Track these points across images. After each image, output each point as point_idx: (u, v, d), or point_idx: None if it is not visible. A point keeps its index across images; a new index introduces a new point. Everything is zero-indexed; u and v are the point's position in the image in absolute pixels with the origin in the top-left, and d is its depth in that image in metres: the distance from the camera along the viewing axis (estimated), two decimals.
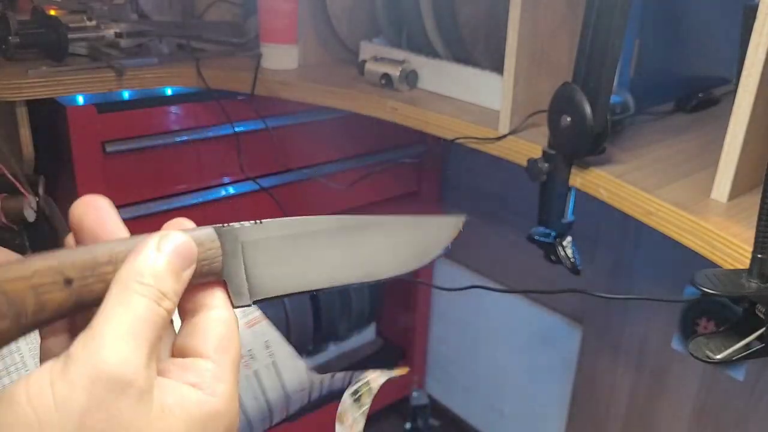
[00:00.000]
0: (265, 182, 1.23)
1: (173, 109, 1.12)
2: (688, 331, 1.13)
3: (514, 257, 1.44)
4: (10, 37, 1.01)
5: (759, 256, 0.51)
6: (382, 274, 0.36)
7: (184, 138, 1.13)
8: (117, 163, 1.07)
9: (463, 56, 1.02)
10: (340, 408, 0.51)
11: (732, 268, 0.61)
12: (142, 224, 0.58)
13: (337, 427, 0.50)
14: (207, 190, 1.19)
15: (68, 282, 0.28)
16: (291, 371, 0.51)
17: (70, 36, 1.04)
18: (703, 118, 0.95)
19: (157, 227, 0.32)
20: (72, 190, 1.05)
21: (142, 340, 0.27)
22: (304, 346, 1.54)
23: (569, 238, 0.82)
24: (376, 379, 0.53)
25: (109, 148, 1.05)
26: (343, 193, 1.31)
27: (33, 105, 0.99)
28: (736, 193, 0.68)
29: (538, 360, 1.51)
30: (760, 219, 0.51)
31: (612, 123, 0.74)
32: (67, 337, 0.32)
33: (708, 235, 0.64)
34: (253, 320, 0.50)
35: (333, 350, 1.67)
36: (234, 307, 0.33)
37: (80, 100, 1.06)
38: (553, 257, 0.83)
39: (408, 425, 1.73)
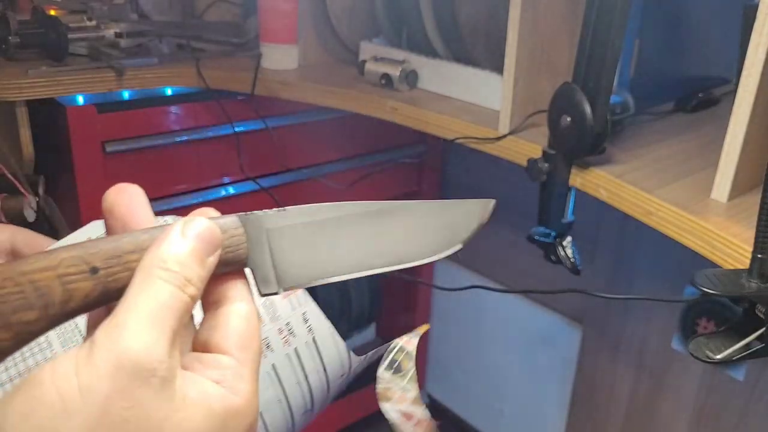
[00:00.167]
0: (265, 182, 1.23)
1: (173, 109, 1.12)
2: (688, 331, 1.13)
3: (514, 257, 1.44)
4: (10, 37, 1.01)
5: (759, 256, 0.51)
6: (411, 259, 0.35)
7: (184, 138, 1.13)
8: (117, 163, 1.07)
9: (463, 56, 1.02)
10: (379, 387, 0.48)
11: (732, 268, 0.61)
12: None
13: (385, 406, 0.47)
14: (207, 190, 1.19)
15: (94, 271, 0.28)
16: (332, 352, 0.47)
17: (70, 36, 1.04)
18: (703, 118, 0.95)
19: None
20: (72, 190, 1.05)
21: (165, 328, 0.27)
22: None
23: (569, 238, 0.82)
24: (408, 342, 0.50)
25: (109, 148, 1.05)
26: (343, 193, 1.31)
27: (33, 105, 0.99)
28: (736, 193, 0.68)
29: (538, 360, 1.51)
30: (760, 219, 0.51)
31: (612, 123, 0.74)
32: None
33: (708, 235, 0.64)
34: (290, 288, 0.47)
35: None
36: (261, 295, 0.33)
37: (80, 100, 1.06)
38: (553, 257, 0.83)
39: None
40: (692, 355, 0.53)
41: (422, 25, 1.03)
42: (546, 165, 0.78)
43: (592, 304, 1.31)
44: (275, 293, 0.33)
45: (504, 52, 0.84)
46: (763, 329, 0.52)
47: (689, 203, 0.68)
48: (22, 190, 0.94)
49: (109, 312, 0.29)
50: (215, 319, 0.31)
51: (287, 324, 0.45)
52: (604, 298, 1.25)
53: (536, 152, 0.81)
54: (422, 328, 0.52)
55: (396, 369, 0.49)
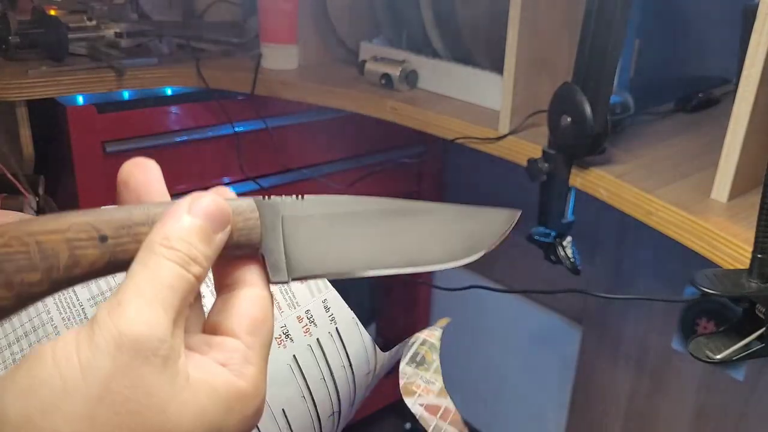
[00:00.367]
0: (265, 182, 1.23)
1: (173, 109, 1.12)
2: (688, 331, 1.13)
3: (514, 257, 1.44)
4: (10, 37, 1.01)
5: (759, 256, 0.51)
6: (428, 264, 0.34)
7: (184, 138, 1.13)
8: (117, 163, 1.06)
9: (463, 56, 1.02)
10: (402, 382, 0.45)
11: (732, 268, 0.61)
12: None
13: (408, 401, 0.45)
14: (207, 190, 1.19)
15: (103, 239, 0.28)
16: (357, 344, 0.43)
17: (70, 36, 1.04)
18: (703, 118, 0.95)
19: None
20: (72, 190, 1.05)
21: (168, 307, 0.26)
22: None
23: (569, 238, 0.82)
24: (430, 334, 0.47)
25: (109, 148, 1.05)
26: (343, 193, 1.31)
27: (33, 105, 0.99)
28: (736, 193, 0.68)
29: (538, 360, 1.51)
30: (760, 219, 0.51)
31: (612, 123, 0.74)
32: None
33: (708, 235, 0.64)
34: None
35: None
36: (271, 282, 0.32)
37: (80, 100, 1.06)
38: (553, 257, 0.83)
39: (408, 425, 1.73)
40: (692, 355, 0.53)
41: (422, 25, 1.03)
42: (546, 165, 0.78)
43: (592, 304, 1.31)
44: (284, 282, 0.32)
45: (504, 52, 0.84)
46: (763, 329, 0.52)
47: (689, 203, 0.68)
48: (22, 190, 0.94)
49: None
50: (226, 302, 0.30)
51: (307, 311, 0.42)
52: (604, 298, 1.25)
53: (536, 152, 0.80)
54: (442, 321, 0.51)
55: (419, 362, 0.46)
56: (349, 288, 1.68)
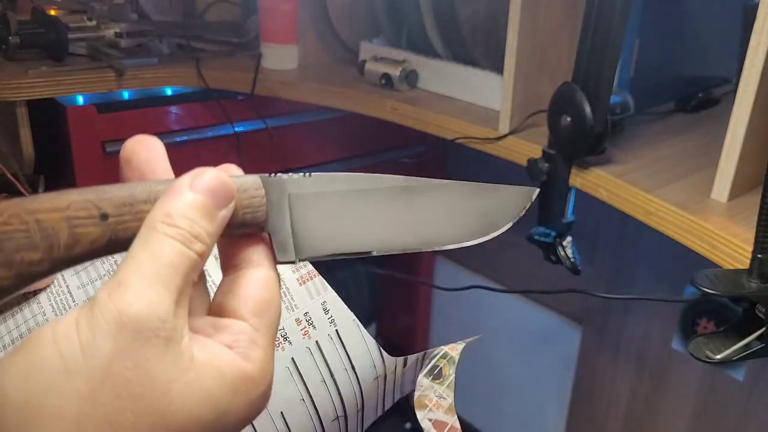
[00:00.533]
0: None
1: (173, 109, 1.12)
2: (688, 331, 1.13)
3: (514, 257, 1.44)
4: (10, 37, 1.01)
5: (759, 256, 0.51)
6: (442, 243, 0.33)
7: (184, 138, 1.13)
8: (117, 163, 1.07)
9: (463, 56, 1.02)
10: (417, 395, 0.44)
11: (732, 268, 0.61)
12: None
13: (419, 414, 0.43)
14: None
15: (104, 217, 0.27)
16: (359, 347, 0.42)
17: (70, 36, 1.04)
18: (703, 118, 0.95)
19: None
20: None
21: (170, 286, 0.26)
22: None
23: (569, 238, 0.82)
24: (453, 348, 0.46)
25: (109, 148, 1.05)
26: None
27: (33, 105, 0.99)
28: (736, 193, 0.68)
29: (538, 360, 1.51)
30: (760, 219, 0.51)
31: (612, 123, 0.74)
32: None
33: (708, 235, 0.64)
34: (307, 275, 0.42)
35: None
36: (278, 263, 0.31)
37: (80, 100, 1.06)
38: (553, 257, 0.83)
39: (408, 425, 1.73)
40: (692, 355, 0.53)
41: (422, 25, 1.03)
42: (546, 165, 0.78)
43: (592, 304, 1.31)
44: (292, 262, 0.31)
45: (504, 52, 0.84)
46: (763, 329, 0.52)
47: (689, 203, 0.68)
48: (22, 190, 0.94)
49: None
50: (232, 283, 0.30)
51: (306, 314, 0.41)
52: (604, 298, 1.25)
53: (536, 152, 0.80)
54: (474, 338, 0.50)
55: (436, 375, 0.45)
56: (350, 288, 1.66)
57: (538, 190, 0.34)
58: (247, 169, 0.32)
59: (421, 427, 0.43)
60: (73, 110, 1.01)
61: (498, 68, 0.90)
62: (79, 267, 0.39)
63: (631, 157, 0.80)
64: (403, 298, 1.72)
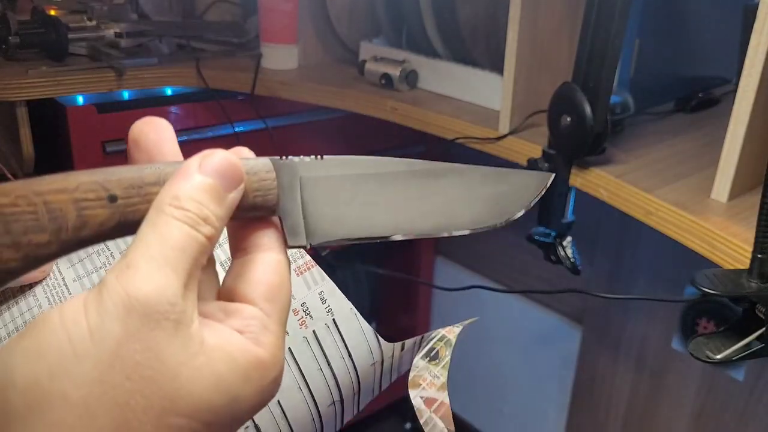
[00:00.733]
0: None
1: (173, 109, 1.12)
2: (688, 331, 1.13)
3: (514, 257, 1.44)
4: (10, 37, 1.01)
5: (759, 256, 0.51)
6: (455, 228, 0.32)
7: (184, 138, 1.13)
8: (117, 163, 1.05)
9: (463, 56, 1.02)
10: (411, 375, 0.44)
11: (732, 268, 0.61)
12: None
13: (412, 392, 0.43)
14: None
15: (112, 199, 0.26)
16: (355, 334, 0.42)
17: (70, 36, 1.04)
18: (703, 118, 0.95)
19: None
20: None
21: (178, 269, 0.25)
22: None
23: (569, 238, 0.82)
24: (450, 331, 0.46)
25: (109, 148, 1.05)
26: None
27: (33, 105, 0.99)
28: (736, 193, 0.68)
29: (538, 360, 1.51)
30: (760, 219, 0.51)
31: (612, 123, 0.74)
32: None
33: (708, 235, 0.64)
34: (305, 265, 0.41)
35: None
36: (288, 247, 0.30)
37: (80, 100, 1.06)
38: (553, 257, 0.83)
39: (408, 425, 1.73)
40: (692, 355, 0.53)
41: (422, 25, 1.03)
42: (546, 165, 0.78)
43: (592, 304, 1.31)
44: (303, 246, 0.30)
45: (504, 52, 0.84)
46: (763, 329, 0.52)
47: (689, 203, 0.68)
48: None
49: None
50: (242, 267, 0.29)
51: (303, 304, 0.41)
52: (604, 298, 1.25)
53: (536, 152, 0.81)
54: (469, 321, 0.50)
55: (433, 357, 0.45)
56: (349, 288, 1.67)
57: (552, 175, 0.34)
58: None
59: (421, 427, 0.43)
60: (73, 110, 1.01)
61: (498, 68, 0.90)
62: (74, 259, 0.39)
63: (631, 157, 0.80)
64: (403, 298, 1.72)
